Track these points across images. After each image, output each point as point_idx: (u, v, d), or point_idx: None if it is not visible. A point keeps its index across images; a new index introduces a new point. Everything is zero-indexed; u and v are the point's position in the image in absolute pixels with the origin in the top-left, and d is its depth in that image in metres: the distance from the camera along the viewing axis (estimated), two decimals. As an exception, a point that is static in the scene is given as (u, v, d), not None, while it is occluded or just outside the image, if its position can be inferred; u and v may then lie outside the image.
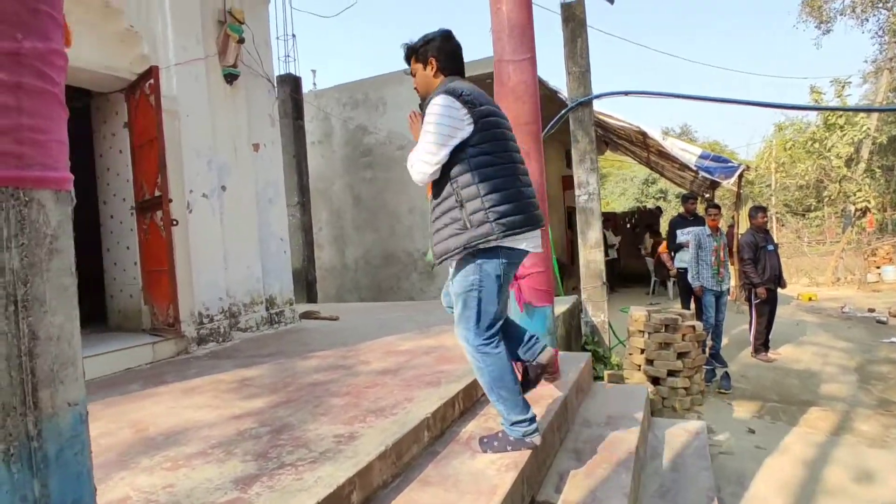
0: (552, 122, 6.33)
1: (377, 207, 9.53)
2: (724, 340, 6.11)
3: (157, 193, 3.95)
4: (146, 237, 4.17)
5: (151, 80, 3.93)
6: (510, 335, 2.38)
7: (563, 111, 6.16)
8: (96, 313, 4.73)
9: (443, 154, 2.13)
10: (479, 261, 2.12)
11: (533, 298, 3.12)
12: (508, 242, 2.10)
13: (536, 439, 2.15)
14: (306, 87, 10.04)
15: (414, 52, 2.40)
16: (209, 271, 4.39)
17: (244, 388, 2.92)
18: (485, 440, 2.20)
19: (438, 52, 2.35)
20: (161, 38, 4.23)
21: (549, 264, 3.24)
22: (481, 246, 2.09)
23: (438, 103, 2.14)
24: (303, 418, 2.32)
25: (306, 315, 5.96)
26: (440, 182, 2.20)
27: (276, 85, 5.48)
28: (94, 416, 2.59)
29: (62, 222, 0.66)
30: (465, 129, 2.12)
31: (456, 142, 2.13)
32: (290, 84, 8.96)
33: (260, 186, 5.16)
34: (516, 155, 2.25)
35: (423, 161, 2.16)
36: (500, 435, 2.18)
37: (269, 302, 5.10)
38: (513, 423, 2.14)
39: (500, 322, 2.19)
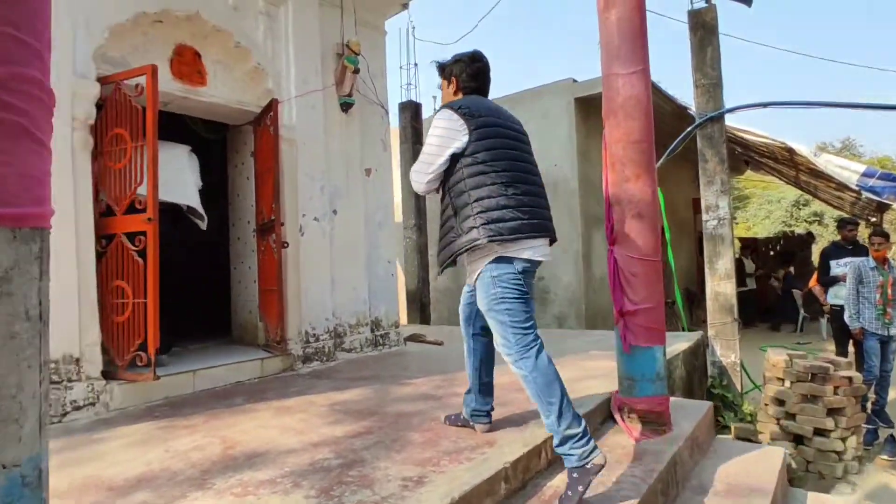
0: (676, 141, 5.81)
1: (490, 230, 9.44)
2: (892, 395, 5.07)
3: (272, 217, 4.20)
4: (263, 257, 4.44)
5: (272, 112, 4.22)
6: (482, 387, 2.47)
7: (689, 128, 5.62)
8: (225, 325, 5.16)
9: (438, 164, 2.23)
10: (494, 273, 2.14)
11: (640, 338, 2.78)
12: (510, 251, 2.12)
13: (598, 459, 1.94)
14: (427, 112, 10.34)
15: (442, 70, 2.52)
16: (317, 292, 4.56)
17: (332, 413, 2.92)
18: (562, 499, 1.93)
19: (461, 71, 2.45)
20: (284, 73, 4.53)
21: (661, 299, 2.87)
22: (486, 254, 2.14)
23: (437, 117, 2.28)
24: (377, 453, 2.23)
25: (412, 338, 5.98)
26: (441, 194, 2.32)
27: (389, 111, 5.65)
28: (194, 428, 2.74)
29: (19, 262, 0.62)
30: (461, 139, 2.19)
31: (451, 152, 2.21)
32: (411, 110, 9.26)
33: (370, 210, 5.31)
34: (519, 164, 2.25)
35: (419, 171, 2.29)
36: (568, 482, 1.95)
37: (374, 324, 5.19)
38: (565, 441, 1.97)
39: (535, 330, 2.17)
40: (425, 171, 2.27)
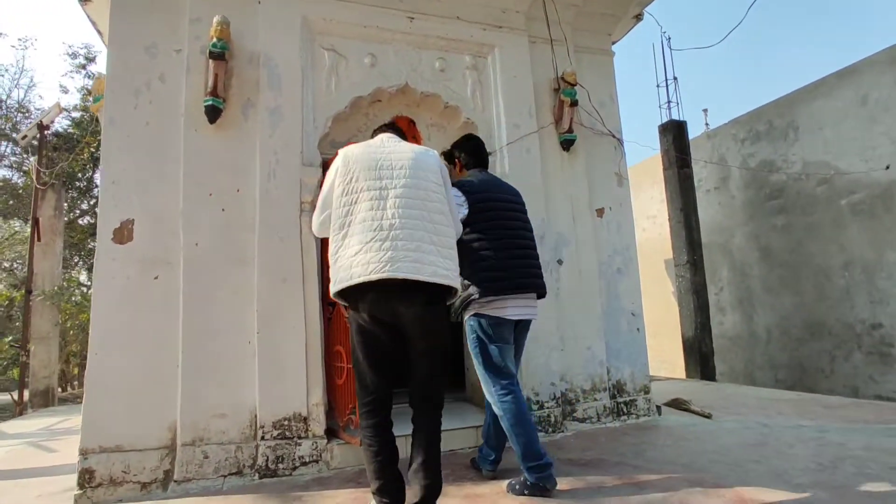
0: None
1: (796, 262, 7.42)
2: None
3: (485, 274, 3.98)
4: (483, 316, 4.25)
5: (479, 165, 4.07)
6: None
7: None
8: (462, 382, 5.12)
9: None
10: (470, 322, 2.79)
11: None
12: (490, 309, 2.69)
13: (549, 483, 2.56)
14: (696, 130, 8.96)
15: (448, 157, 3.20)
16: (541, 353, 4.09)
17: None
18: (512, 482, 2.64)
19: (461, 152, 3.14)
20: (495, 122, 4.37)
21: None
22: (471, 308, 2.74)
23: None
24: None
25: (674, 404, 4.94)
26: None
27: (623, 140, 4.93)
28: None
29: None
30: (462, 211, 2.75)
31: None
32: (673, 131, 8.15)
33: (605, 255, 4.64)
34: (509, 231, 2.82)
35: None
36: (521, 479, 2.62)
37: (615, 389, 4.42)
38: (529, 468, 2.57)
39: (512, 377, 2.76)
40: None
